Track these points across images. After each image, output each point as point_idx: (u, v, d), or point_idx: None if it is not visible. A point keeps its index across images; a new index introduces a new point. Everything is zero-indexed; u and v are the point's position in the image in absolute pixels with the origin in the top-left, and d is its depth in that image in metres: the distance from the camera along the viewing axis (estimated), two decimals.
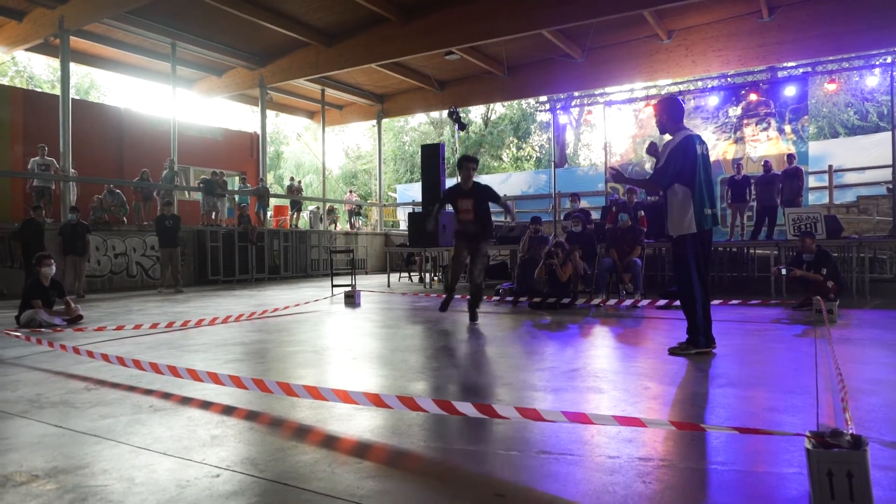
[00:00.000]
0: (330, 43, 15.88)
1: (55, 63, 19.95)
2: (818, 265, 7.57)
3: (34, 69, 31.88)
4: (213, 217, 16.42)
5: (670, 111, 4.80)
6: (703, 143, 4.74)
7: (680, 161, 4.57)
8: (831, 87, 13.59)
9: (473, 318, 6.76)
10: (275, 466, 2.45)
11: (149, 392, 3.73)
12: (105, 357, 4.37)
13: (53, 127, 13.69)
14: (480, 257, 6.83)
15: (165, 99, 31.46)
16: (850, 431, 1.94)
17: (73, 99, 14.42)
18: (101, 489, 2.25)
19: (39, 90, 27.60)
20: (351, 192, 25.46)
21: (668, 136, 4.79)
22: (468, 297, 6.96)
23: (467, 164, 6.71)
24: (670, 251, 4.79)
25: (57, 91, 16.19)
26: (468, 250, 6.84)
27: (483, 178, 25.56)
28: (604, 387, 3.74)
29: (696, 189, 4.56)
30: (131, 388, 3.83)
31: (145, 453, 2.63)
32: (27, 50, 16.29)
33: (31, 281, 7.44)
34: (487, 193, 6.80)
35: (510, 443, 2.70)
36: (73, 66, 15.09)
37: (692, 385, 3.78)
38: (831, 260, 7.77)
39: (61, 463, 2.53)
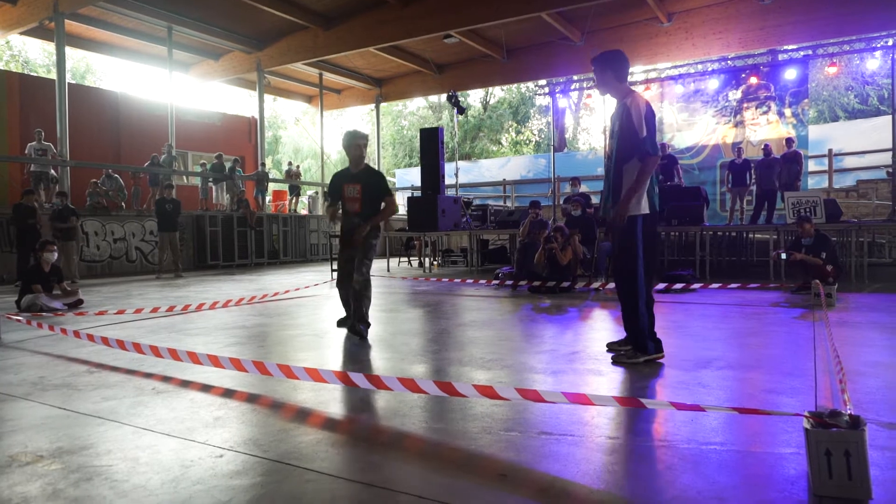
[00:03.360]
0: (328, 26, 15.75)
1: (50, 47, 19.73)
2: (817, 249, 7.57)
3: (29, 53, 31.64)
4: (230, 202, 16.44)
5: (618, 67, 3.94)
6: None
7: (653, 128, 3.79)
8: (832, 70, 13.51)
9: (356, 331, 5.05)
10: (277, 447, 2.47)
11: (150, 375, 3.75)
12: (105, 341, 4.38)
13: (50, 112, 13.61)
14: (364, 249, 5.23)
15: (162, 83, 31.30)
16: (849, 412, 1.96)
17: (69, 83, 14.32)
18: (106, 469, 2.28)
19: (35, 75, 27.41)
20: None
21: (611, 97, 4.00)
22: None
23: (359, 140, 5.16)
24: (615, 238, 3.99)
25: (53, 75, 16.06)
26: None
27: (482, 163, 25.52)
28: (603, 369, 3.76)
29: None
30: (133, 371, 3.85)
31: (149, 434, 2.65)
32: (22, 34, 16.14)
33: (31, 265, 7.45)
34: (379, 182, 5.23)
35: (511, 424, 2.72)
36: (68, 50, 14.97)
37: (691, 367, 3.79)
38: (830, 244, 7.77)
39: (66, 444, 2.55)
